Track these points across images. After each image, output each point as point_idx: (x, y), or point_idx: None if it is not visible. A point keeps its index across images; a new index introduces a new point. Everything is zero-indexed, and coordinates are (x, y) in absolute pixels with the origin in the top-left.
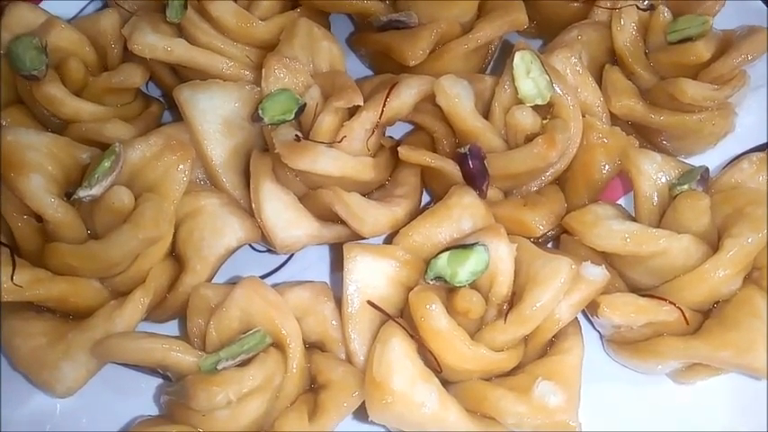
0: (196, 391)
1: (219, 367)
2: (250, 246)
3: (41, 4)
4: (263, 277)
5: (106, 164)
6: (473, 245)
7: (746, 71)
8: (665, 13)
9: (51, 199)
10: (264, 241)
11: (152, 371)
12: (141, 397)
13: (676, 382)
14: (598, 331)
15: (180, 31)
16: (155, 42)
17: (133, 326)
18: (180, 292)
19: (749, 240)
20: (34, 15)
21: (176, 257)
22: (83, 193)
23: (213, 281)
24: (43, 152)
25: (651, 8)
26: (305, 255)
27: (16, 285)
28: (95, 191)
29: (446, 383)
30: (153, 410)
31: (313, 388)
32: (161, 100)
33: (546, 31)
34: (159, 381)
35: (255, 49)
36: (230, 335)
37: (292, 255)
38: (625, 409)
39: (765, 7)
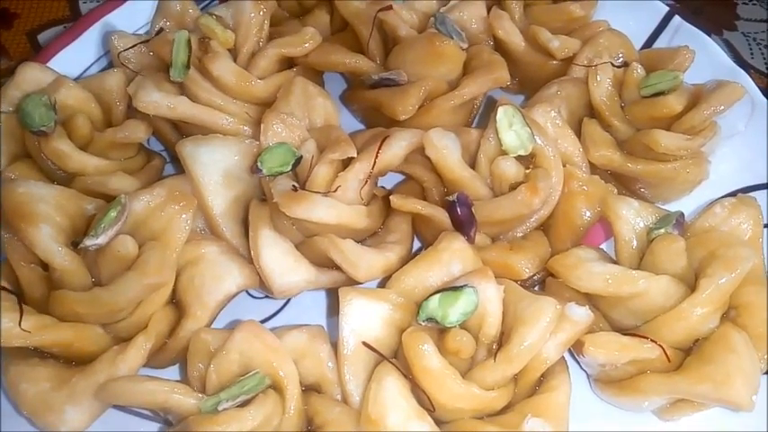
0: (198, 431)
1: (220, 408)
2: (247, 293)
3: (49, 64)
4: (261, 323)
5: (112, 214)
6: (463, 287)
7: (717, 122)
8: (638, 70)
9: (59, 248)
10: (262, 287)
11: (153, 414)
12: None
13: (661, 419)
14: (585, 371)
15: (182, 89)
16: (159, 100)
17: (135, 370)
18: (180, 337)
19: (723, 280)
20: (44, 75)
21: (176, 304)
22: (89, 242)
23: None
24: (52, 204)
25: (625, 65)
26: (300, 300)
27: (24, 331)
28: (101, 240)
29: (439, 423)
30: None
31: (309, 430)
32: (162, 154)
33: (527, 88)
34: (156, 426)
35: (254, 106)
36: (230, 377)
37: (288, 300)
38: None
39: (732, 62)
